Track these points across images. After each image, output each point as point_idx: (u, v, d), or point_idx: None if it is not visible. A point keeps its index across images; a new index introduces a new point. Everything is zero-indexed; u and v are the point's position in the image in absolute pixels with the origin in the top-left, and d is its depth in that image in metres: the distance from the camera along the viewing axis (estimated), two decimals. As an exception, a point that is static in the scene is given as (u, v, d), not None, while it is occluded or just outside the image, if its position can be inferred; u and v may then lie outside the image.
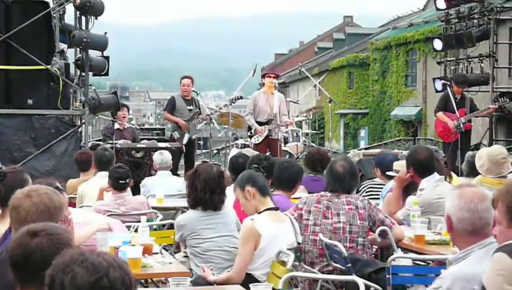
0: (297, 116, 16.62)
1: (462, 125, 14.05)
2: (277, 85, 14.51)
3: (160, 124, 40.49)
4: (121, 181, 8.22)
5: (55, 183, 5.40)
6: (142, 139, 14.58)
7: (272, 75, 14.73)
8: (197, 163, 12.52)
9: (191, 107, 14.64)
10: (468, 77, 16.54)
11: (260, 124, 14.24)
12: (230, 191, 6.80)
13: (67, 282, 2.49)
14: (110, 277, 2.51)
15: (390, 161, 8.24)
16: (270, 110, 14.15)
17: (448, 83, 15.40)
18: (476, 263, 3.68)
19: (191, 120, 14.49)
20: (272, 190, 7.53)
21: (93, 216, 6.86)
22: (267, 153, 13.41)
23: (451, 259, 3.93)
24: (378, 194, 8.38)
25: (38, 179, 5.70)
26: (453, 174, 8.24)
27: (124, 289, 2.53)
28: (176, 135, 14.36)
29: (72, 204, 8.88)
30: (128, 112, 15.19)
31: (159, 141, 14.13)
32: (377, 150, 16.35)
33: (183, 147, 14.14)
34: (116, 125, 14.24)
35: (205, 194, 6.43)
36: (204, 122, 14.82)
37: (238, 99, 15.73)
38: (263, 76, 15.10)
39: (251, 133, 14.52)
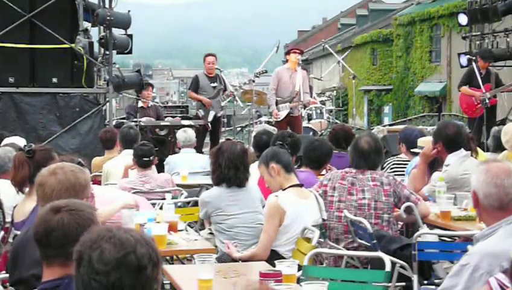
0: (320, 94, 16.52)
1: (487, 101, 13.93)
2: (300, 62, 14.34)
3: (183, 102, 40.50)
4: (145, 158, 8.25)
5: (77, 159, 5.44)
6: (165, 117, 14.60)
7: (297, 51, 14.58)
8: (221, 141, 12.54)
9: (215, 84, 14.64)
10: (493, 52, 16.40)
11: (282, 101, 14.12)
12: (254, 168, 6.81)
13: (95, 258, 2.51)
14: (138, 253, 2.52)
15: (416, 136, 8.21)
16: (293, 88, 13.98)
17: (474, 58, 15.28)
18: (503, 239, 3.65)
19: (215, 97, 14.50)
20: (298, 166, 7.54)
21: (120, 193, 6.89)
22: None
23: (478, 235, 3.90)
24: (403, 171, 8.35)
25: (60, 156, 5.73)
26: (479, 150, 8.19)
27: (151, 265, 2.55)
28: (201, 112, 14.38)
29: (98, 182, 8.95)
30: (152, 90, 15.22)
31: (183, 118, 14.14)
32: (401, 126, 16.26)
33: (209, 125, 14.17)
34: (140, 104, 14.26)
35: (229, 171, 6.44)
36: (229, 98, 14.84)
37: (263, 73, 15.70)
38: (287, 52, 14.97)
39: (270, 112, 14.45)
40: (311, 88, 16.05)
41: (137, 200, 6.25)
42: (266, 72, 15.82)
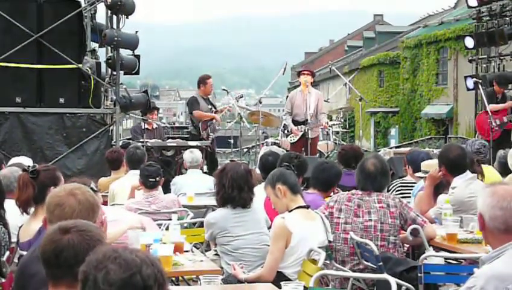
0: (331, 119, 16.53)
1: (504, 124, 14.07)
2: (308, 83, 14.29)
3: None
4: (151, 179, 8.25)
5: (90, 184, 5.44)
6: (172, 138, 14.61)
7: (306, 72, 14.58)
8: (225, 162, 12.55)
9: (210, 106, 14.67)
10: (508, 76, 16.44)
11: (297, 123, 14.14)
12: (260, 190, 6.81)
13: (101, 278, 2.50)
14: (143, 274, 2.52)
15: (422, 159, 8.20)
16: (307, 110, 14.01)
17: (480, 81, 15.32)
18: (509, 262, 3.64)
19: (212, 120, 14.51)
20: (305, 187, 7.53)
21: (126, 214, 6.89)
22: (303, 152, 13.40)
23: (484, 258, 3.89)
24: (409, 193, 8.33)
25: (72, 179, 5.73)
26: (494, 170, 8.21)
27: (157, 286, 2.54)
28: (211, 134, 14.33)
29: (104, 202, 8.93)
30: (158, 113, 15.25)
31: (189, 139, 14.14)
32: (408, 149, 16.27)
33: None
34: (145, 125, 14.28)
35: (233, 191, 6.45)
36: (222, 113, 14.87)
37: (241, 98, 15.79)
38: (298, 74, 15.01)
39: (287, 131, 14.41)
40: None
41: (143, 221, 6.25)
42: (242, 96, 15.94)
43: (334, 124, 16.17)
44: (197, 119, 14.30)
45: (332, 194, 7.82)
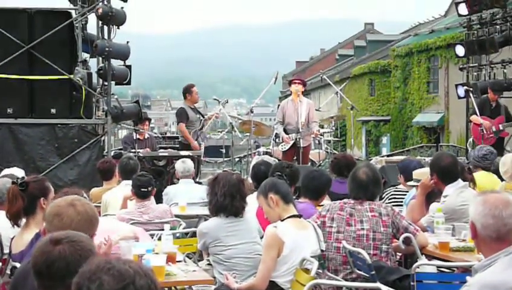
0: (323, 128, 16.55)
1: (500, 132, 14.13)
2: (299, 92, 14.29)
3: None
4: (142, 189, 8.24)
5: (82, 194, 5.45)
6: (164, 148, 14.61)
7: (297, 82, 14.57)
8: (217, 171, 12.56)
9: (198, 115, 14.68)
10: (503, 83, 16.52)
11: (288, 132, 14.15)
12: (252, 199, 6.81)
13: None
14: (137, 285, 2.52)
15: (414, 167, 8.22)
16: (298, 119, 14.02)
17: (471, 89, 15.36)
18: (502, 270, 3.65)
19: (201, 128, 14.54)
20: (296, 196, 7.53)
21: (119, 225, 6.88)
22: (294, 161, 13.41)
23: (476, 267, 3.90)
24: (402, 201, 8.35)
25: (64, 189, 5.73)
26: (494, 176, 8.24)
27: (150, 297, 2.54)
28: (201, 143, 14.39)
29: (96, 213, 8.93)
30: (149, 124, 15.24)
31: (181, 149, 14.14)
32: (400, 157, 16.30)
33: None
34: (136, 136, 14.27)
35: (225, 200, 6.46)
36: (210, 121, 14.92)
37: (226, 103, 15.92)
38: (289, 83, 15.02)
39: (278, 140, 14.42)
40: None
41: (136, 232, 6.24)
42: (227, 101, 16.14)
43: (325, 132, 16.17)
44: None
45: (324, 202, 7.84)
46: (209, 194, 6.62)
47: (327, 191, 7.78)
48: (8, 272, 5.68)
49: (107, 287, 2.50)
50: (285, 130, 14.22)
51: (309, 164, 14.48)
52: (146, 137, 14.48)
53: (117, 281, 2.51)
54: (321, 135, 14.99)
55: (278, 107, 15.03)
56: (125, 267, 2.55)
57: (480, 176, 8.63)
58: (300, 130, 13.95)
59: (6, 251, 5.97)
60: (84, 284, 2.53)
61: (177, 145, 14.81)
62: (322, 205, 7.63)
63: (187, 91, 14.66)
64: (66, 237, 3.23)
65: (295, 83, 14.49)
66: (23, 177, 5.91)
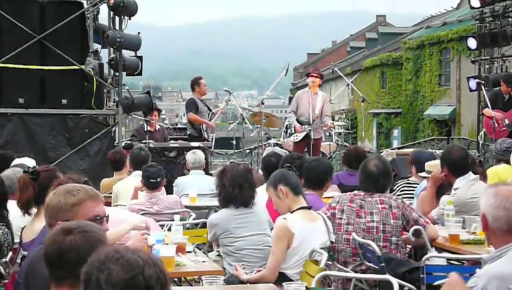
0: (333, 119, 16.45)
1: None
2: (316, 85, 14.25)
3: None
4: (152, 180, 8.25)
5: (84, 178, 5.47)
6: (175, 139, 14.61)
7: (315, 75, 14.51)
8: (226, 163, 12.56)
9: (206, 107, 14.69)
10: None
11: (301, 123, 14.14)
12: (262, 191, 6.81)
13: (103, 279, 2.50)
14: (146, 274, 2.51)
15: (426, 159, 8.18)
16: (312, 111, 14.00)
17: (482, 82, 15.30)
18: (511, 262, 3.65)
19: (210, 120, 14.55)
20: (304, 189, 7.52)
21: (130, 215, 6.89)
22: (305, 153, 13.40)
23: (486, 258, 3.89)
24: (412, 194, 8.34)
25: (66, 175, 5.75)
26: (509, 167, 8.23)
27: (159, 286, 2.54)
28: (208, 134, 14.38)
29: (107, 203, 8.95)
30: (159, 115, 15.23)
31: (190, 141, 14.13)
32: (411, 150, 16.26)
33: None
34: (147, 127, 14.24)
35: (234, 190, 6.47)
36: (216, 116, 14.91)
37: (230, 94, 15.92)
38: (307, 75, 14.99)
39: (291, 131, 14.38)
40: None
41: (147, 222, 6.25)
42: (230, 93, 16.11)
43: (338, 125, 16.15)
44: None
45: (332, 193, 7.83)
46: (218, 186, 6.63)
47: (330, 179, 7.70)
48: (19, 261, 5.70)
49: (116, 277, 2.49)
50: (297, 121, 14.21)
51: (320, 156, 14.47)
52: (157, 128, 14.47)
53: (126, 271, 2.50)
54: (333, 127, 14.96)
55: (289, 99, 15.04)
56: (134, 257, 2.54)
57: (502, 169, 8.59)
58: (313, 122, 13.92)
59: (16, 240, 5.99)
60: (93, 273, 2.53)
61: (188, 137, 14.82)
62: (328, 194, 7.65)
63: (195, 83, 14.66)
64: (77, 226, 3.24)
65: (313, 76, 14.41)
66: (34, 167, 5.93)
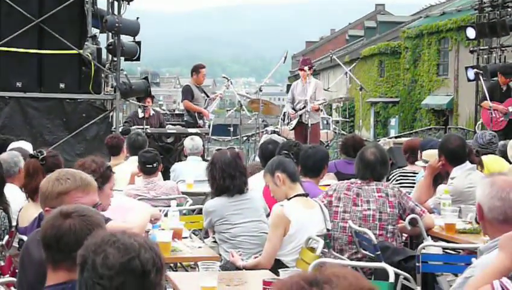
0: (335, 108, 16.41)
1: (509, 114, 14.08)
2: (308, 73, 14.28)
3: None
4: (148, 165, 8.26)
5: (107, 163, 5.46)
6: (172, 124, 14.59)
7: (303, 68, 14.57)
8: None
9: (203, 94, 14.68)
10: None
11: (296, 111, 14.19)
12: (259, 178, 6.81)
13: (99, 262, 2.51)
14: (141, 258, 2.52)
15: (431, 147, 8.13)
16: (304, 97, 14.07)
17: (481, 72, 15.30)
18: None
19: (206, 107, 14.54)
20: (300, 177, 7.53)
21: (135, 203, 6.91)
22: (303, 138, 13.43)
23: (482, 248, 3.90)
24: (409, 183, 8.35)
25: (91, 156, 5.71)
26: (503, 160, 8.22)
27: (155, 271, 2.55)
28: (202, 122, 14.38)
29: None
30: (153, 102, 15.19)
31: (188, 126, 14.11)
32: (408, 139, 16.27)
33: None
34: (142, 114, 14.14)
35: (225, 181, 6.46)
36: (215, 101, 14.91)
37: (230, 83, 15.87)
38: (299, 68, 15.06)
39: (287, 119, 14.43)
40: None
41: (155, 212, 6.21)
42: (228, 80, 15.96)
43: (320, 104, 15.95)
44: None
45: (328, 181, 7.83)
46: (209, 179, 6.62)
47: (326, 166, 7.70)
48: (16, 245, 5.71)
49: (112, 260, 2.50)
50: (294, 110, 14.26)
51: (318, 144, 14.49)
52: (152, 114, 14.40)
53: (122, 254, 2.51)
54: (318, 110, 14.81)
55: (287, 86, 15.10)
56: (130, 241, 2.55)
57: (489, 159, 8.59)
58: (304, 108, 13.97)
59: (13, 223, 5.99)
60: (89, 256, 2.54)
61: (185, 123, 14.80)
62: (324, 182, 7.65)
63: (195, 70, 14.65)
64: (75, 210, 3.24)
65: (301, 70, 14.52)
66: (41, 152, 5.90)
